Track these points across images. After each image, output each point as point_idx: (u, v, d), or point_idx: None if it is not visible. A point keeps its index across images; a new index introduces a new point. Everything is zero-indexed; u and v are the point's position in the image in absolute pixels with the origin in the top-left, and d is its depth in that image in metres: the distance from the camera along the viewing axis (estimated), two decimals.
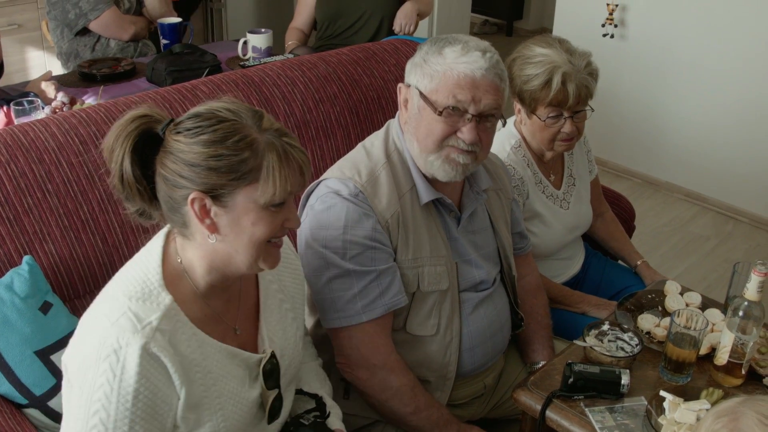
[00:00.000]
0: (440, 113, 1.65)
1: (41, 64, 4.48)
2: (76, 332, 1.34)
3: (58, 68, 3.88)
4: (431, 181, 1.76)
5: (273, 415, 1.51)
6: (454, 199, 1.82)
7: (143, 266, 1.37)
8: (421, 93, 1.67)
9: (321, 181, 1.76)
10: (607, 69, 4.51)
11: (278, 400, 1.51)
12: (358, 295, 1.68)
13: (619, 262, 2.61)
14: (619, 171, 4.71)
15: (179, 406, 1.31)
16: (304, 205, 1.78)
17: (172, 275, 1.37)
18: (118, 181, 1.33)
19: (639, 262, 2.51)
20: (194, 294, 1.38)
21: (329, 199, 1.70)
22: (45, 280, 1.97)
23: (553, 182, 2.34)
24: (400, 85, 1.75)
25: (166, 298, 1.32)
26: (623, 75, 4.52)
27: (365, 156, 1.77)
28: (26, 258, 1.95)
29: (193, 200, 1.29)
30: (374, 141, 1.81)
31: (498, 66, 1.67)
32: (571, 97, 2.09)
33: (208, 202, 1.29)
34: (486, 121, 1.68)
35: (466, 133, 1.66)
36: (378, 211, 1.69)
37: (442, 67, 1.64)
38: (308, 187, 1.78)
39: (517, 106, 2.21)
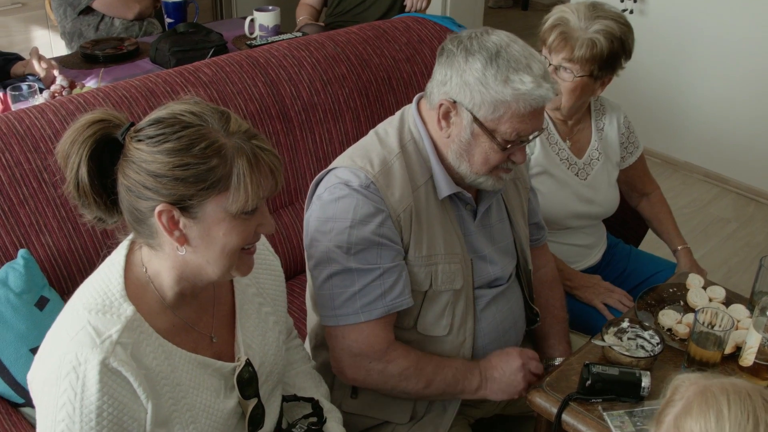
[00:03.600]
0: (504, 148, 1.58)
1: (46, 43, 4.39)
2: (40, 348, 1.27)
3: (62, 48, 3.80)
4: (450, 174, 1.67)
5: (255, 425, 1.44)
6: (471, 191, 1.73)
7: (105, 277, 1.29)
8: (476, 119, 1.56)
9: (331, 169, 1.67)
10: None
11: (259, 408, 1.44)
12: (358, 293, 1.60)
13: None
14: None
15: (147, 421, 1.25)
16: (312, 194, 1.69)
17: (136, 285, 1.30)
18: (73, 189, 1.24)
19: (679, 248, 2.42)
20: (160, 304, 1.31)
21: (338, 190, 1.61)
22: (41, 274, 1.91)
23: (572, 149, 2.27)
24: (440, 99, 1.59)
25: (128, 310, 1.25)
26: (642, 51, 4.34)
27: (378, 144, 1.67)
28: (21, 252, 1.88)
29: (160, 212, 1.21)
30: (388, 128, 1.71)
31: (556, 88, 1.59)
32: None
33: (176, 213, 1.21)
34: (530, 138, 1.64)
35: (519, 156, 1.62)
36: (390, 204, 1.60)
37: (509, 98, 1.52)
38: (317, 176, 1.69)
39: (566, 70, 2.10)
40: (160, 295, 1.30)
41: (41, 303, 1.85)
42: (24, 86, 2.48)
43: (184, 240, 1.24)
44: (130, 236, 1.34)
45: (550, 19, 2.09)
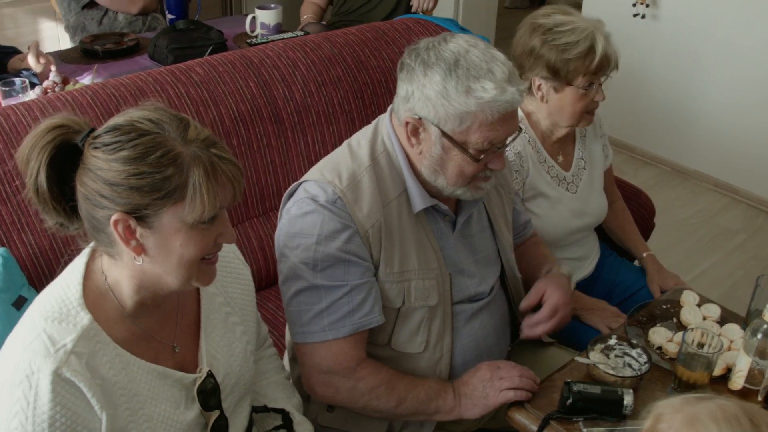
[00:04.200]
0: (477, 159, 1.53)
1: (54, 35, 4.39)
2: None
3: (67, 42, 3.78)
4: (425, 187, 1.62)
5: None
6: (450, 202, 1.68)
7: (64, 284, 1.27)
8: (444, 133, 1.52)
9: (301, 183, 1.63)
10: (638, 51, 4.34)
11: (222, 420, 1.41)
12: (325, 311, 1.56)
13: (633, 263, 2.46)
14: (647, 157, 4.52)
15: (102, 431, 1.22)
16: (283, 207, 1.65)
17: (95, 294, 1.27)
18: (33, 194, 1.22)
19: (645, 254, 2.38)
20: (119, 313, 1.28)
21: (305, 205, 1.57)
22: (21, 273, 1.89)
23: (561, 164, 2.21)
24: (405, 117, 1.54)
25: (85, 318, 1.23)
26: (654, 57, 4.32)
27: (349, 157, 1.63)
28: (0, 250, 1.86)
29: (116, 222, 1.18)
30: (361, 140, 1.66)
31: (524, 90, 1.53)
32: (612, 60, 2.03)
33: (132, 222, 1.19)
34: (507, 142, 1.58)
35: (496, 163, 1.57)
36: (357, 220, 1.55)
37: (474, 108, 1.47)
38: (289, 188, 1.65)
39: (537, 82, 2.06)
40: (119, 303, 1.28)
41: (19, 302, 1.83)
42: (17, 81, 2.46)
43: (141, 250, 1.22)
44: (92, 243, 1.31)
45: (578, 48, 1.99)
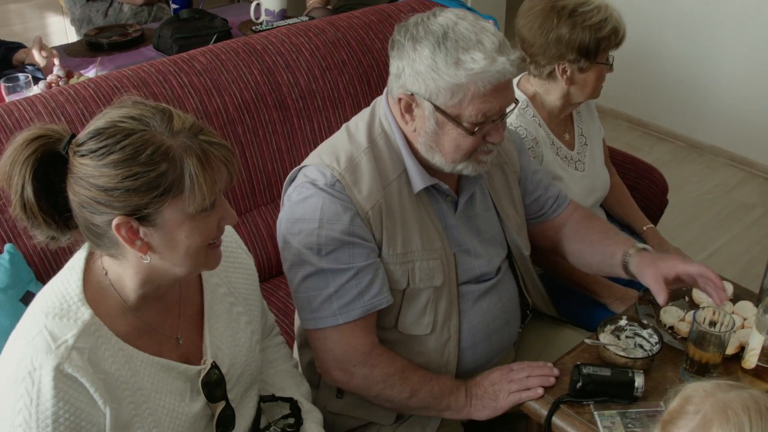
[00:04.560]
0: (471, 132, 1.50)
1: (61, 30, 4.39)
2: (2, 351, 1.25)
3: (74, 36, 3.78)
4: (425, 166, 1.60)
5: (225, 427, 1.41)
6: (451, 182, 1.66)
7: (64, 280, 1.26)
8: (437, 108, 1.50)
9: (301, 168, 1.62)
10: (650, 24, 4.28)
11: (228, 410, 1.40)
12: (333, 295, 1.55)
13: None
14: (661, 133, 4.46)
15: (107, 426, 1.22)
16: (284, 193, 1.64)
17: (96, 288, 1.26)
18: (20, 211, 1.20)
19: (645, 228, 2.36)
20: (121, 307, 1.28)
21: (305, 190, 1.56)
22: (28, 269, 1.89)
23: (567, 142, 2.20)
24: (399, 94, 1.53)
25: (86, 314, 1.22)
26: (666, 30, 4.26)
27: (347, 140, 1.62)
28: (8, 246, 1.86)
29: (118, 226, 1.17)
30: (359, 122, 1.65)
31: (517, 60, 1.49)
32: (621, 31, 2.05)
33: (134, 224, 1.17)
34: (505, 113, 1.55)
35: (495, 136, 1.54)
36: (357, 202, 1.54)
37: (464, 80, 1.45)
38: (290, 174, 1.64)
39: (562, 66, 2.03)
40: (121, 297, 1.27)
41: (27, 298, 1.83)
42: (21, 76, 2.45)
43: (147, 248, 1.21)
44: None
45: (609, 25, 1.99)
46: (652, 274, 1.66)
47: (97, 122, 1.18)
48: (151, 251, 1.21)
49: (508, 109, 1.53)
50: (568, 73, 2.04)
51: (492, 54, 1.44)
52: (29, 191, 1.17)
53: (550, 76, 2.06)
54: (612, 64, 2.08)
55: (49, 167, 1.18)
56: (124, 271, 1.25)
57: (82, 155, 1.16)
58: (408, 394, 1.61)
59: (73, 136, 1.19)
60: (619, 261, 1.75)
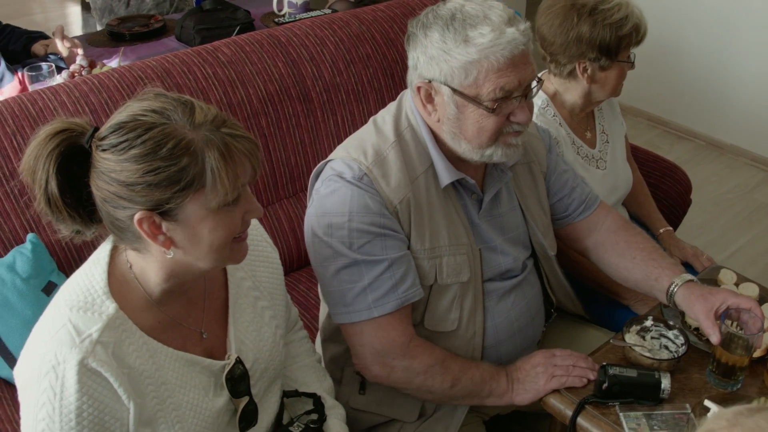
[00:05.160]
0: (492, 110, 1.48)
1: (80, 20, 4.40)
2: (26, 344, 1.24)
3: (88, 27, 3.78)
4: (452, 160, 1.59)
5: (248, 422, 1.40)
6: (477, 178, 1.65)
7: (89, 273, 1.25)
8: (455, 90, 1.49)
9: (328, 161, 1.61)
10: (669, 20, 4.24)
11: (251, 405, 1.39)
12: (368, 287, 1.54)
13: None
14: (681, 132, 4.43)
15: (130, 420, 1.21)
16: (311, 187, 1.63)
17: (120, 282, 1.25)
18: (45, 206, 1.19)
19: (662, 230, 2.33)
20: (146, 301, 1.27)
21: (333, 183, 1.55)
22: (50, 259, 1.89)
23: (588, 141, 2.18)
24: (417, 83, 1.54)
25: (110, 307, 1.21)
26: (687, 27, 4.22)
27: (374, 133, 1.61)
28: (30, 236, 1.87)
29: (140, 221, 1.16)
30: (386, 116, 1.64)
31: (527, 30, 1.49)
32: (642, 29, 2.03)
33: (156, 219, 1.16)
34: (529, 91, 1.53)
35: (519, 115, 1.52)
36: (385, 196, 1.53)
37: (476, 56, 1.44)
38: (316, 168, 1.64)
39: (583, 65, 2.01)
40: (145, 291, 1.26)
41: (48, 288, 1.84)
42: (44, 66, 2.45)
43: (170, 243, 1.20)
44: None
45: (630, 23, 1.97)
46: (703, 310, 1.62)
47: (119, 116, 1.17)
48: (174, 246, 1.20)
49: (532, 86, 1.52)
50: (589, 71, 2.02)
51: (500, 26, 1.45)
52: (53, 185, 1.16)
53: (571, 74, 2.04)
54: (633, 62, 2.06)
55: (73, 161, 1.17)
56: (149, 265, 1.25)
57: (104, 150, 1.15)
58: (450, 383, 1.60)
59: (96, 129, 1.18)
60: (664, 288, 1.72)
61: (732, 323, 1.58)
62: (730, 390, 1.58)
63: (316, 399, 1.55)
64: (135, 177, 1.13)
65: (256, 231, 1.49)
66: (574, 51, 1.99)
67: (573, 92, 2.08)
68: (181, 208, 1.16)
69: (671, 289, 1.70)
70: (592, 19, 1.96)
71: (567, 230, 1.88)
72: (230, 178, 1.16)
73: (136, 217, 1.15)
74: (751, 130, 4.14)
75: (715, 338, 1.57)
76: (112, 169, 1.14)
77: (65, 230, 1.23)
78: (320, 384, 1.61)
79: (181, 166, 1.13)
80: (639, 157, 2.57)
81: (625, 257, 1.80)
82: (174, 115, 1.15)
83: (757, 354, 1.63)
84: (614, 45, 1.97)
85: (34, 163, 1.16)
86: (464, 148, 1.56)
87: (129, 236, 1.20)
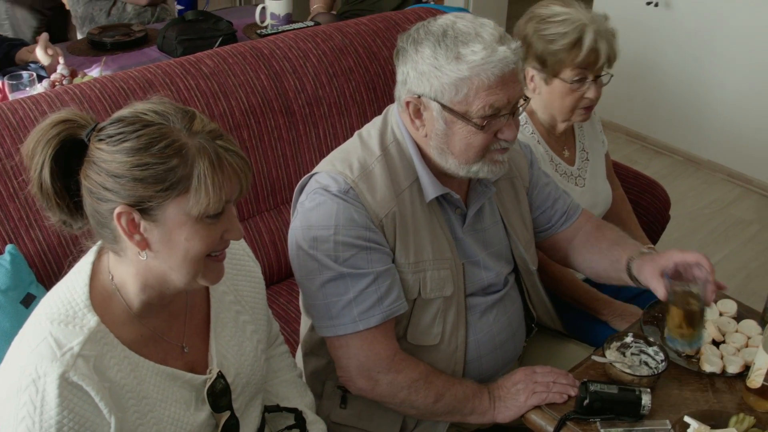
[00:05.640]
0: (481, 127, 1.49)
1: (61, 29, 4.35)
2: (5, 357, 1.23)
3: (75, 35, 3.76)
4: (437, 175, 1.60)
5: None
6: (461, 193, 1.66)
7: (70, 286, 1.25)
8: (444, 106, 1.50)
9: (312, 174, 1.61)
10: (650, 39, 4.30)
11: (232, 420, 1.39)
12: (353, 300, 1.54)
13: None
14: (659, 147, 4.48)
15: None
16: (296, 201, 1.63)
17: (102, 295, 1.25)
18: (36, 190, 1.20)
19: (644, 249, 2.33)
20: (127, 314, 1.26)
21: (318, 197, 1.55)
22: (29, 270, 1.87)
23: (567, 159, 2.18)
24: (405, 98, 1.54)
25: (92, 320, 1.20)
26: (667, 46, 4.27)
27: (360, 147, 1.61)
28: (9, 247, 1.85)
29: (119, 215, 1.16)
30: (371, 130, 1.65)
31: (518, 49, 1.51)
32: (602, 56, 1.97)
33: (136, 216, 1.16)
34: (516, 109, 1.54)
35: (507, 132, 1.53)
36: (371, 210, 1.54)
37: (467, 73, 1.45)
38: (301, 181, 1.64)
39: (530, 73, 2.04)
40: (126, 304, 1.25)
41: (27, 300, 1.81)
42: (24, 74, 2.43)
43: (145, 244, 1.19)
44: (99, 242, 1.29)
45: (564, 40, 1.95)
46: (650, 271, 1.66)
47: (122, 111, 1.19)
48: (148, 249, 1.20)
49: (519, 105, 1.53)
50: (535, 82, 2.04)
51: (492, 44, 1.45)
52: (47, 172, 1.17)
53: (525, 83, 2.06)
54: (588, 89, 2.00)
55: (70, 153, 1.18)
56: (126, 270, 1.24)
57: (100, 140, 1.16)
58: (433, 398, 1.60)
59: (97, 124, 1.19)
60: (624, 266, 1.75)
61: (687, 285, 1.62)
62: (695, 348, 1.63)
63: (298, 414, 1.55)
64: (123, 169, 1.14)
65: (239, 245, 1.49)
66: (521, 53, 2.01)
67: (539, 109, 2.10)
68: (162, 208, 1.16)
69: (629, 265, 1.73)
70: (535, 26, 1.99)
71: (550, 241, 1.90)
72: (215, 189, 1.16)
73: (116, 210, 1.15)
74: (727, 146, 4.19)
75: (660, 293, 1.60)
76: (103, 159, 1.15)
77: (53, 218, 1.23)
78: (301, 399, 1.61)
79: (169, 166, 1.14)
80: (619, 173, 2.59)
81: (594, 250, 1.83)
82: (173, 119, 1.17)
83: (737, 369, 1.65)
84: (548, 58, 1.98)
85: (34, 147, 1.17)
86: (451, 164, 1.56)
87: (108, 234, 1.20)
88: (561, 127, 2.12)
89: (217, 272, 1.28)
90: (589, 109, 2.07)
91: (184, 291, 1.31)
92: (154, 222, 1.17)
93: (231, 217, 1.24)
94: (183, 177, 1.15)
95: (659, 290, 1.62)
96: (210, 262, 1.24)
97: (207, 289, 1.41)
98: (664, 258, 1.66)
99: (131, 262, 1.23)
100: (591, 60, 1.96)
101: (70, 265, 1.31)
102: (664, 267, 1.64)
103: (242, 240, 1.51)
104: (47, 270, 1.94)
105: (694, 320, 1.61)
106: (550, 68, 1.99)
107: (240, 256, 1.48)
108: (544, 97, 2.06)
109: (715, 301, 1.87)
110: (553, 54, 1.97)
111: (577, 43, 1.94)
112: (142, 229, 1.18)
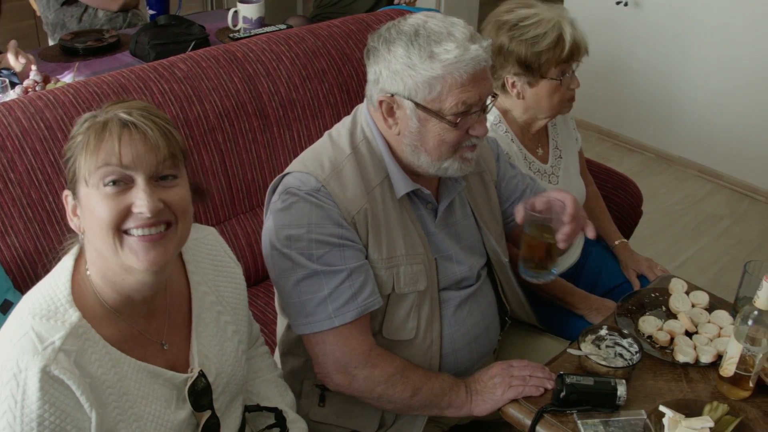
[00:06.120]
0: (454, 124, 1.52)
1: (32, 34, 4.33)
2: None
3: (46, 41, 3.73)
4: (408, 172, 1.62)
5: None
6: (432, 189, 1.68)
7: (52, 281, 1.26)
8: (418, 105, 1.52)
9: (284, 175, 1.62)
10: (621, 38, 4.35)
11: (213, 419, 1.39)
12: (328, 297, 1.55)
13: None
14: (631, 145, 4.53)
15: (92, 430, 1.20)
16: (269, 201, 1.64)
17: (83, 290, 1.26)
18: None
19: (617, 242, 2.38)
20: (106, 310, 1.27)
21: (290, 197, 1.57)
22: (6, 277, 1.86)
23: (541, 157, 2.21)
24: (378, 97, 1.56)
25: (73, 315, 1.21)
26: (637, 45, 4.33)
27: (330, 147, 1.63)
28: None
29: (66, 197, 1.26)
30: (341, 130, 1.67)
31: (489, 47, 1.54)
32: (582, 43, 2.02)
33: (70, 199, 1.25)
34: (486, 106, 1.57)
35: (478, 128, 1.56)
36: (343, 207, 1.56)
37: (440, 72, 1.48)
38: (273, 182, 1.65)
39: (511, 80, 2.05)
40: (100, 299, 1.26)
41: (4, 307, 1.80)
42: None
43: (81, 227, 1.25)
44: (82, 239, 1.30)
45: (547, 39, 1.97)
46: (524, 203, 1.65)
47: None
48: (83, 231, 1.25)
49: (488, 101, 1.56)
50: (518, 87, 2.05)
51: (464, 43, 1.48)
52: None
53: (504, 89, 2.08)
54: (567, 78, 2.04)
55: None
56: (92, 262, 1.26)
57: None
58: (410, 393, 1.61)
59: None
60: None
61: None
62: (542, 281, 1.68)
63: (278, 413, 1.55)
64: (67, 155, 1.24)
65: (220, 246, 1.50)
66: (497, 62, 2.03)
67: (517, 109, 2.11)
68: (78, 186, 1.21)
69: None
70: (510, 33, 2.00)
71: (518, 230, 1.91)
72: (94, 151, 1.19)
73: (64, 193, 1.26)
74: (698, 142, 4.25)
75: (518, 218, 1.63)
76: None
77: None
78: (282, 398, 1.62)
79: (76, 142, 1.21)
80: (592, 170, 2.63)
81: None
82: (111, 105, 1.25)
83: (709, 359, 1.68)
84: (533, 61, 2.00)
85: None
86: (423, 161, 1.58)
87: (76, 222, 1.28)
88: (540, 124, 2.14)
89: (144, 253, 1.21)
90: (572, 99, 2.11)
91: (138, 288, 1.27)
92: (78, 201, 1.23)
93: (138, 192, 1.20)
94: (77, 146, 1.21)
95: (517, 215, 1.64)
96: (128, 238, 1.21)
97: (188, 289, 1.42)
98: (545, 193, 1.67)
99: (89, 249, 1.26)
100: (575, 52, 2.01)
101: (48, 265, 1.31)
102: (537, 199, 1.65)
103: (223, 242, 1.52)
104: (24, 276, 1.93)
105: (543, 253, 1.64)
106: (536, 70, 2.01)
107: (221, 257, 1.49)
108: (530, 99, 2.07)
109: (688, 293, 1.91)
110: (538, 56, 1.99)
111: (560, 40, 1.98)
112: (78, 212, 1.24)
